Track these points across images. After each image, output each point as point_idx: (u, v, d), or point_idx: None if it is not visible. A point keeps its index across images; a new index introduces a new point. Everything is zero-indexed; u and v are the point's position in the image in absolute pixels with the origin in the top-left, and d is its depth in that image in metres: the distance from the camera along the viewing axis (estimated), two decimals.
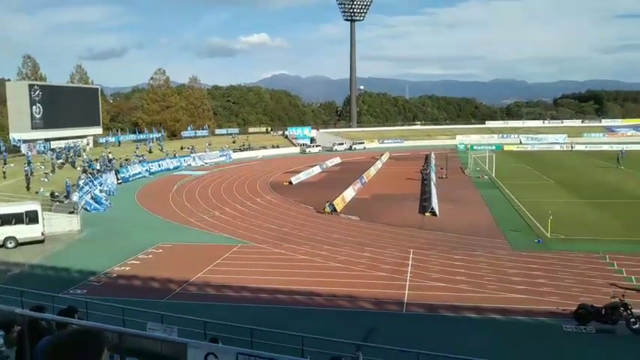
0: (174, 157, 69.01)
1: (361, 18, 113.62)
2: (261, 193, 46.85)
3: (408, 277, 22.82)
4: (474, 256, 25.89)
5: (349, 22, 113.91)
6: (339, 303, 20.31)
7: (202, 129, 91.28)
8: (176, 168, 65.28)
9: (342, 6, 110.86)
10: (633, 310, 17.54)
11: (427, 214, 36.22)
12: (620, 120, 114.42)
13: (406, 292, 21.15)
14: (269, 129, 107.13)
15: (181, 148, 75.95)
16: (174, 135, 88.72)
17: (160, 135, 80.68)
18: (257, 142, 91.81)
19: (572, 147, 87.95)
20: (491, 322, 18.42)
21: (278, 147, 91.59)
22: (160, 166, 62.84)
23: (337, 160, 74.41)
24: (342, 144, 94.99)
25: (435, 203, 37.47)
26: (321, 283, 22.18)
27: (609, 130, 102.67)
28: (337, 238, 29.89)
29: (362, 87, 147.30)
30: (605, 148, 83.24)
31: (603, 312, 17.63)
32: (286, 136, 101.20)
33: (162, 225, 34.46)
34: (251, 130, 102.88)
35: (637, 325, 17.30)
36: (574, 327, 17.75)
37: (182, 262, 25.71)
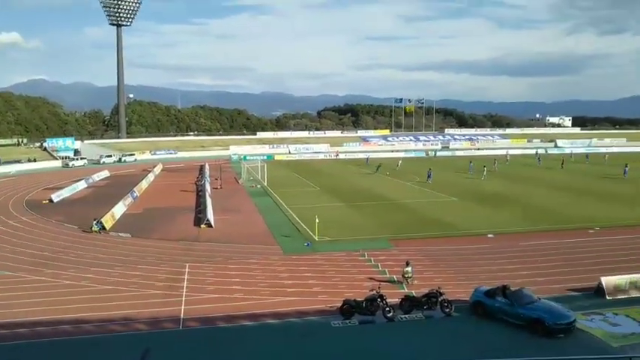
0: None
1: (128, 23, 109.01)
2: (15, 213, 41.62)
3: (184, 292, 22.43)
4: (249, 264, 26.57)
5: (115, 27, 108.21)
6: (112, 328, 19.02)
7: None
8: None
9: (108, 9, 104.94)
10: (388, 300, 19.84)
11: (203, 225, 36.07)
12: (372, 131, 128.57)
13: (182, 307, 20.74)
14: (23, 140, 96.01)
15: None
16: None
17: None
18: (9, 155, 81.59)
19: (337, 155, 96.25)
20: (266, 327, 19.06)
21: (35, 161, 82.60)
22: None
23: (105, 173, 69.81)
24: (111, 156, 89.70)
25: (210, 214, 37.49)
26: (91, 309, 20.54)
27: (364, 139, 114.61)
28: (106, 259, 27.99)
29: (131, 95, 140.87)
30: (361, 156, 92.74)
31: (364, 305, 19.58)
32: (45, 149, 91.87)
33: None
34: (1, 142, 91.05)
35: (391, 314, 19.58)
36: (340, 322, 19.33)
37: None
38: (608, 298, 21.66)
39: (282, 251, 29.39)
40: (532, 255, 28.19)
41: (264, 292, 22.38)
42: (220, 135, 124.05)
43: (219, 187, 54.67)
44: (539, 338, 17.81)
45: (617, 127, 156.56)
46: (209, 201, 42.60)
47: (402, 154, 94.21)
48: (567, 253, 28.40)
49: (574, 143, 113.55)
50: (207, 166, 69.80)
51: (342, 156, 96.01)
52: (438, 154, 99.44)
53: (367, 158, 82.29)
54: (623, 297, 21.81)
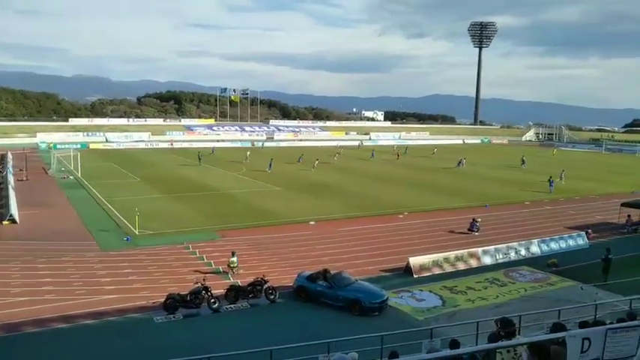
0: None
1: None
2: None
3: None
4: (61, 262, 24.48)
5: None
6: None
7: None
8: None
9: None
10: (213, 292, 19.74)
11: (5, 222, 32.33)
12: (197, 120, 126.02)
13: None
14: None
15: None
16: None
17: None
18: None
19: (172, 144, 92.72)
20: (82, 329, 17.77)
21: None
22: None
23: None
24: None
25: (14, 209, 33.74)
26: None
27: (188, 128, 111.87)
28: None
29: None
30: (186, 145, 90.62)
31: (188, 298, 19.25)
32: None
33: None
34: None
35: (216, 305, 19.53)
36: (164, 317, 18.77)
37: None
38: (415, 276, 24.03)
39: (98, 247, 27.56)
40: (350, 239, 30.09)
41: (80, 292, 20.83)
42: (26, 121, 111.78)
43: (24, 178, 49.44)
44: (357, 317, 19.15)
45: (422, 122, 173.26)
46: (12, 194, 38.29)
47: (228, 144, 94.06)
48: (381, 237, 30.83)
49: (386, 136, 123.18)
50: (9, 156, 62.57)
51: (162, 145, 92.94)
52: (265, 144, 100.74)
53: (213, 148, 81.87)
54: (427, 274, 24.36)
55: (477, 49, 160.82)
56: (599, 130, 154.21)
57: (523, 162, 72.51)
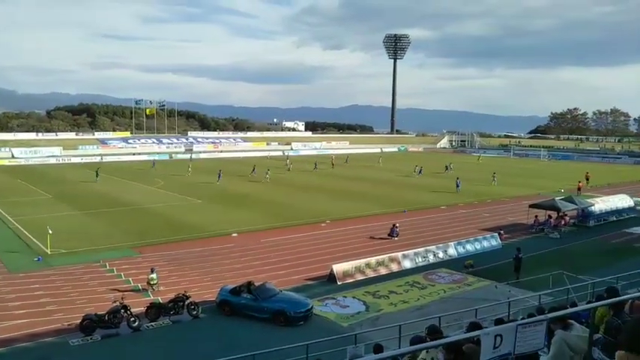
0: None
1: None
2: None
3: None
4: None
5: None
6: None
7: None
8: None
9: None
10: (133, 310, 19.04)
11: None
12: (111, 133, 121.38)
13: None
14: None
15: None
16: None
17: None
18: None
19: (102, 159, 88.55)
20: None
21: None
22: None
23: None
24: None
25: None
26: None
27: (103, 142, 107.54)
28: None
29: None
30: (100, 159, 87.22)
31: (106, 318, 18.46)
32: None
33: None
34: None
35: (136, 323, 18.86)
36: (80, 339, 17.92)
37: None
38: (338, 283, 24.30)
39: (6, 269, 25.88)
40: (274, 250, 30.01)
41: None
42: None
43: None
44: (282, 328, 19.10)
45: (341, 131, 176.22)
46: None
47: (145, 157, 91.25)
48: (304, 246, 31.00)
49: (307, 146, 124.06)
50: None
51: (75, 160, 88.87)
52: (180, 156, 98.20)
53: (154, 161, 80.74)
54: (350, 281, 24.71)
55: (392, 60, 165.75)
56: (507, 137, 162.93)
57: (447, 168, 75.40)
